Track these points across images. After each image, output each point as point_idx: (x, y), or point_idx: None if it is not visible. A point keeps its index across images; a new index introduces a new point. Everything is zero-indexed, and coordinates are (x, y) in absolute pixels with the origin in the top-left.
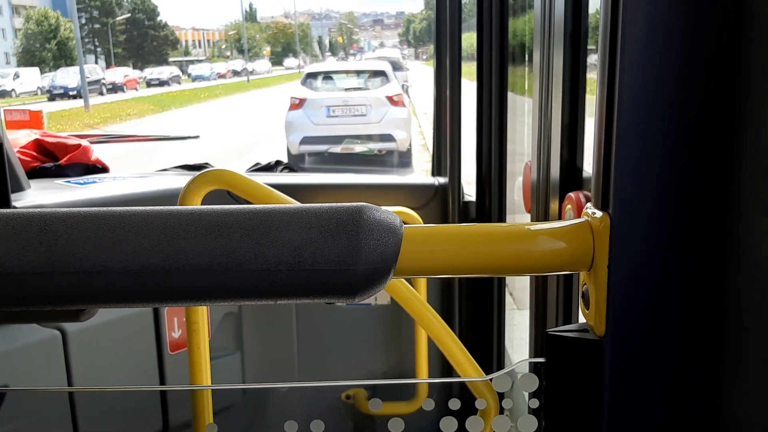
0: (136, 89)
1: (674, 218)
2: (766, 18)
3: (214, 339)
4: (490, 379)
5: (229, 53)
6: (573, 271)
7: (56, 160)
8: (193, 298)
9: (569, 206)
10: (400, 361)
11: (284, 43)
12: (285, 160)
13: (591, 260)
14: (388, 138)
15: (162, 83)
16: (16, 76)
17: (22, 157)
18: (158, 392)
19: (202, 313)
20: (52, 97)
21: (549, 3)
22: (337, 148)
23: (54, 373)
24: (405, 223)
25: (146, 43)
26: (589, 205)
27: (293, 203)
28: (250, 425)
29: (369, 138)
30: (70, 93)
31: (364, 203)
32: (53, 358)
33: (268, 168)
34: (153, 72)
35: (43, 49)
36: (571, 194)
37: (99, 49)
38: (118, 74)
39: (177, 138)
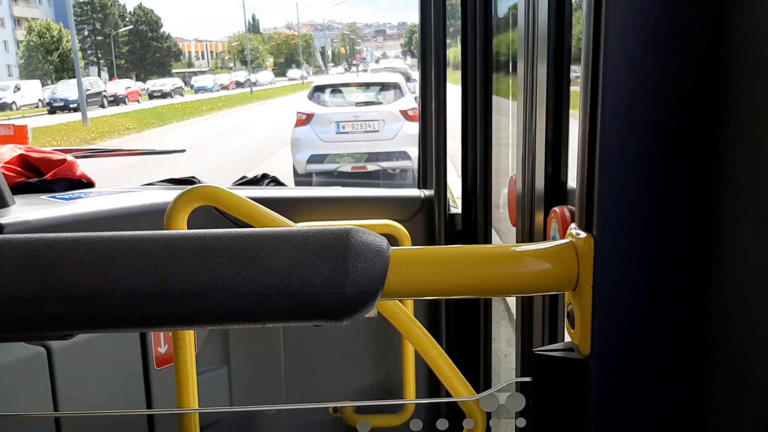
0: (138, 101)
1: (656, 239)
2: (745, 38)
3: (201, 354)
4: (477, 400)
5: (232, 65)
6: (558, 292)
7: (41, 175)
8: (180, 322)
9: (554, 220)
10: (388, 374)
11: (287, 54)
12: (292, 180)
13: (576, 280)
14: (402, 156)
15: (164, 95)
16: (17, 88)
17: (7, 173)
18: (145, 408)
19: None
20: (53, 110)
21: (532, 18)
22: (347, 167)
23: (39, 390)
24: (391, 237)
25: (149, 55)
26: (573, 225)
27: (279, 219)
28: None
29: (385, 156)
30: (71, 105)
31: (352, 226)
32: (38, 374)
33: (254, 182)
34: (155, 84)
35: (45, 61)
36: (556, 209)
37: (102, 61)
38: (120, 86)
39: (162, 152)
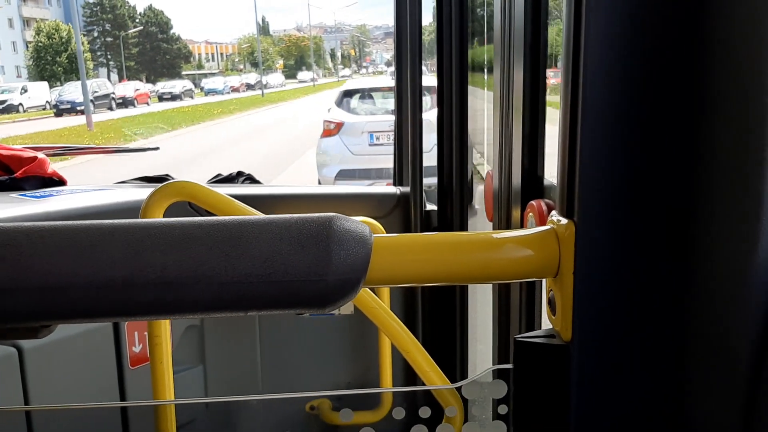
0: (148, 104)
1: (638, 224)
2: (725, 31)
3: (176, 352)
4: (459, 387)
5: (242, 66)
6: (539, 278)
7: (11, 173)
8: (160, 311)
9: (531, 214)
10: (365, 371)
11: (297, 56)
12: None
13: (557, 267)
14: None
15: (174, 97)
16: (24, 90)
17: None
18: (119, 409)
19: (164, 326)
20: (59, 113)
21: (509, 13)
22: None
23: (10, 392)
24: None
25: (159, 57)
26: (554, 212)
27: (258, 215)
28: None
29: (429, 172)
30: (78, 108)
31: (334, 213)
32: (9, 376)
33: (230, 179)
34: (165, 86)
35: (53, 62)
36: (533, 202)
37: (111, 63)
38: (129, 88)
39: (135, 150)
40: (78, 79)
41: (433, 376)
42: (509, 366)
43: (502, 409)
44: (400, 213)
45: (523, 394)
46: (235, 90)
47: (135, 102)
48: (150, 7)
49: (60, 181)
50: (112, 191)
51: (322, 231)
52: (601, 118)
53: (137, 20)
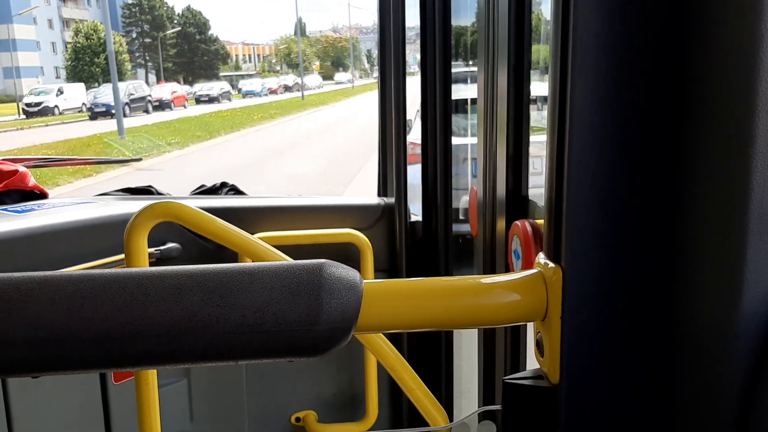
0: (185, 106)
1: (624, 271)
2: (711, 56)
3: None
4: (449, 429)
5: (278, 68)
6: (527, 322)
7: None
8: (153, 362)
9: (516, 235)
10: (350, 382)
11: (334, 58)
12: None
13: (545, 311)
14: None
15: (212, 100)
16: (60, 92)
17: None
18: (103, 424)
19: None
20: (94, 116)
21: (492, 27)
22: None
23: None
24: (352, 246)
25: (197, 58)
26: (541, 255)
27: (240, 234)
28: None
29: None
30: (113, 111)
31: (324, 260)
32: None
33: (213, 190)
34: (202, 88)
35: (91, 63)
36: (518, 223)
37: (150, 64)
38: (166, 90)
39: (119, 161)
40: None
41: (420, 396)
42: (497, 407)
43: None
44: (385, 224)
45: None
46: (272, 92)
47: (172, 104)
48: (188, 8)
49: (41, 194)
50: (94, 205)
51: (312, 279)
52: (588, 165)
53: (175, 21)
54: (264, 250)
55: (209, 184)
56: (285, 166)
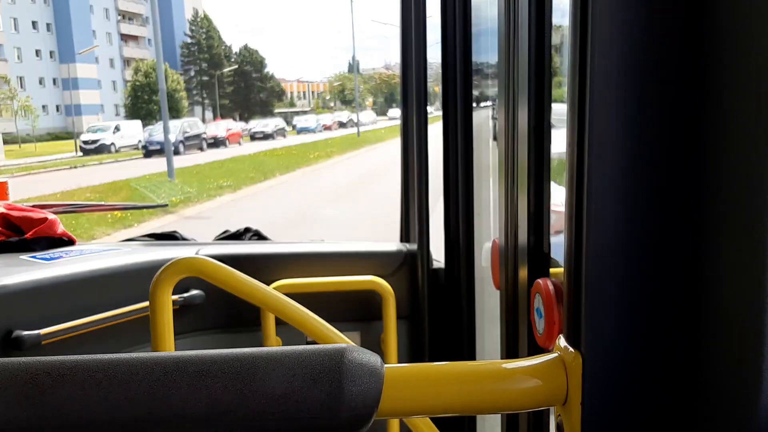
0: (239, 143)
1: (646, 356)
2: (733, 57)
3: None
4: None
5: (332, 104)
6: (548, 407)
7: (22, 234)
8: None
9: (538, 293)
10: None
11: (387, 94)
12: None
13: (565, 395)
14: None
15: (266, 136)
16: (117, 129)
17: None
18: None
19: None
20: (148, 154)
21: (512, 71)
22: None
23: None
24: (375, 293)
25: (253, 95)
26: (561, 338)
27: (263, 289)
28: None
29: None
30: None
31: (346, 345)
32: None
33: (237, 236)
34: (257, 125)
35: (149, 101)
36: (540, 281)
37: (207, 101)
38: (221, 127)
39: (145, 207)
40: (173, 117)
41: None
42: None
43: None
44: (407, 271)
45: None
46: (327, 128)
47: (227, 142)
48: (245, 47)
49: (69, 241)
50: (120, 252)
51: (334, 366)
52: (607, 249)
53: (233, 59)
54: (284, 304)
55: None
56: (344, 214)
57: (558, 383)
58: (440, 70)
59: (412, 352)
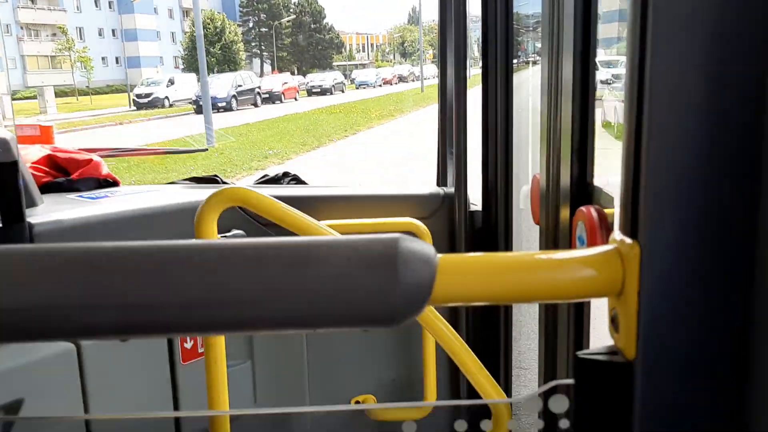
0: (296, 98)
1: (705, 244)
2: None
3: (226, 348)
4: (519, 401)
5: (391, 57)
6: (602, 297)
7: (68, 175)
8: (234, 328)
9: (581, 221)
10: (409, 368)
11: None
12: None
13: (621, 286)
14: None
15: (324, 91)
16: (171, 82)
17: (35, 173)
18: (171, 403)
19: None
20: (199, 109)
21: (557, 14)
22: None
23: (68, 385)
24: (412, 235)
25: (311, 47)
26: (616, 231)
27: (306, 219)
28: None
29: None
30: (219, 104)
31: (400, 234)
32: (68, 370)
33: (276, 180)
34: (314, 78)
35: (207, 53)
36: (583, 209)
37: (265, 54)
38: (276, 82)
39: (185, 151)
40: (231, 70)
41: (481, 380)
42: (570, 381)
43: (564, 424)
44: (445, 214)
45: (585, 410)
46: (387, 82)
47: (282, 97)
48: None
49: (114, 183)
50: (165, 192)
51: (389, 252)
52: (669, 133)
53: (291, 9)
54: (326, 234)
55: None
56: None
57: (614, 273)
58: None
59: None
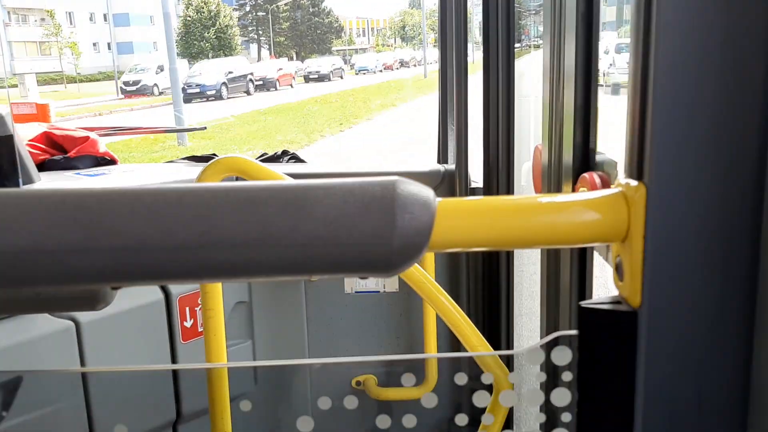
0: (291, 86)
1: (712, 186)
2: None
3: (226, 327)
4: (521, 353)
5: (392, 42)
6: (607, 242)
7: (65, 153)
8: (228, 273)
9: (583, 188)
10: (410, 347)
11: None
12: None
13: (626, 231)
14: None
15: (321, 78)
16: (160, 69)
17: (32, 150)
18: (171, 381)
19: (218, 299)
20: (188, 98)
21: None
22: None
23: (68, 363)
24: None
25: (310, 32)
26: (621, 175)
27: None
28: (269, 407)
29: None
30: (208, 93)
31: (398, 177)
32: (67, 348)
33: (275, 158)
34: (311, 65)
35: (201, 38)
36: (586, 175)
37: (262, 38)
38: (271, 68)
39: (183, 130)
40: (226, 55)
41: (479, 347)
42: (574, 332)
43: (567, 376)
44: (445, 190)
45: (590, 361)
46: (388, 68)
47: (277, 84)
48: None
49: (111, 161)
50: (163, 169)
51: (386, 194)
52: (674, 77)
53: None
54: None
55: None
56: None
57: (619, 217)
58: None
59: (447, 261)
